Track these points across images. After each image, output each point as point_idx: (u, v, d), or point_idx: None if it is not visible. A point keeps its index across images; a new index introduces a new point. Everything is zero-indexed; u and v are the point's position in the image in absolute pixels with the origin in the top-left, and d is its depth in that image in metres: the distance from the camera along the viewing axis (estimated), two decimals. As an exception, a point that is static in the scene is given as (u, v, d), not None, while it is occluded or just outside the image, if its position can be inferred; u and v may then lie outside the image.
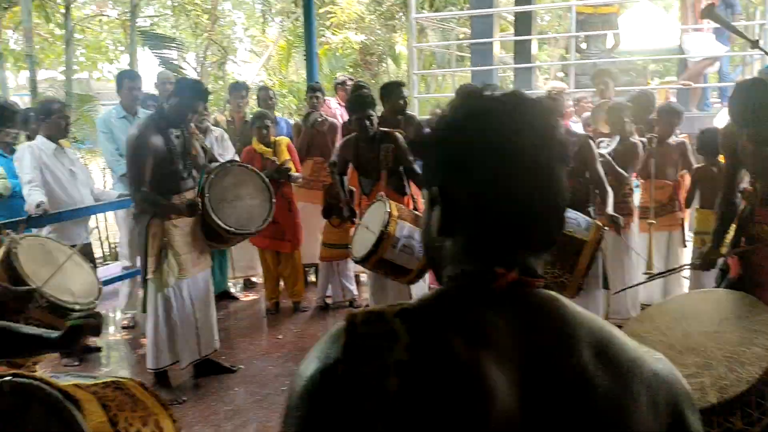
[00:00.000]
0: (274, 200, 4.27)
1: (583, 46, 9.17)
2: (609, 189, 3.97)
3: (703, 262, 3.18)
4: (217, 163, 4.22)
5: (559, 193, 0.87)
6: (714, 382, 2.45)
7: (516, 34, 9.40)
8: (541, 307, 0.85)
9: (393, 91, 5.11)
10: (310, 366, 0.81)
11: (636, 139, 4.57)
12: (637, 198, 4.85)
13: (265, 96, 6.10)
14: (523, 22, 9.16)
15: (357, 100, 4.43)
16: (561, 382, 0.79)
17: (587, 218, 3.72)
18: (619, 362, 0.82)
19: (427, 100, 10.04)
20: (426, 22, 10.71)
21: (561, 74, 11.78)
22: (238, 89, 6.12)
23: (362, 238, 4.06)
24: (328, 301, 5.51)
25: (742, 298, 2.85)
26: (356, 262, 4.09)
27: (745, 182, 3.13)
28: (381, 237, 3.80)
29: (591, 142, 3.96)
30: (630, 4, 9.26)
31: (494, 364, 0.77)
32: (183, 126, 3.83)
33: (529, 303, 0.85)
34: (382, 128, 4.42)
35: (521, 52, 9.11)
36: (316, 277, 6.00)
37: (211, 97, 4.62)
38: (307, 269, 6.23)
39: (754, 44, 3.36)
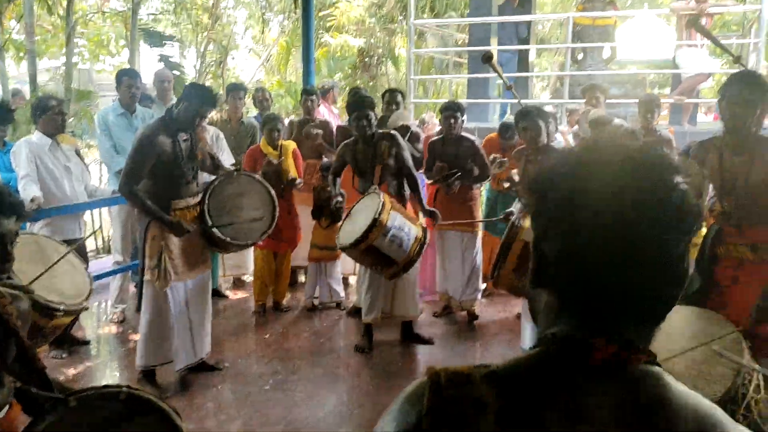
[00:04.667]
0: (277, 214, 4.22)
1: (580, 56, 9.24)
2: None
3: None
4: (223, 171, 4.20)
5: (670, 266, 0.77)
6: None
7: (500, 41, 9.39)
8: (641, 386, 0.78)
9: (384, 97, 5.26)
10: (389, 426, 0.79)
11: None
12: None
13: (261, 97, 6.19)
14: (512, 29, 9.20)
15: (356, 99, 4.52)
16: None
17: None
18: None
19: (426, 104, 10.11)
20: (425, 27, 10.80)
21: (558, 84, 11.87)
22: (237, 90, 6.17)
23: (351, 227, 4.10)
24: (316, 302, 5.60)
25: (711, 316, 2.93)
26: (343, 249, 4.09)
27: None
28: (374, 223, 3.86)
29: None
30: (629, 17, 9.30)
31: None
32: (191, 130, 3.90)
33: (628, 380, 0.78)
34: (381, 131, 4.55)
35: (520, 60, 9.18)
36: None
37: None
38: (297, 270, 6.32)
39: (736, 60, 3.43)
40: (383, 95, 5.65)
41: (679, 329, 2.94)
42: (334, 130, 6.02)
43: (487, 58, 4.89)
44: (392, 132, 4.58)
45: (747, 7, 9.08)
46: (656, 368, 0.81)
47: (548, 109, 6.54)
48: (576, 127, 5.95)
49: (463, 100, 9.83)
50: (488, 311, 5.49)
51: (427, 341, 4.76)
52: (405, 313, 4.70)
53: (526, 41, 9.04)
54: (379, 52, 12.54)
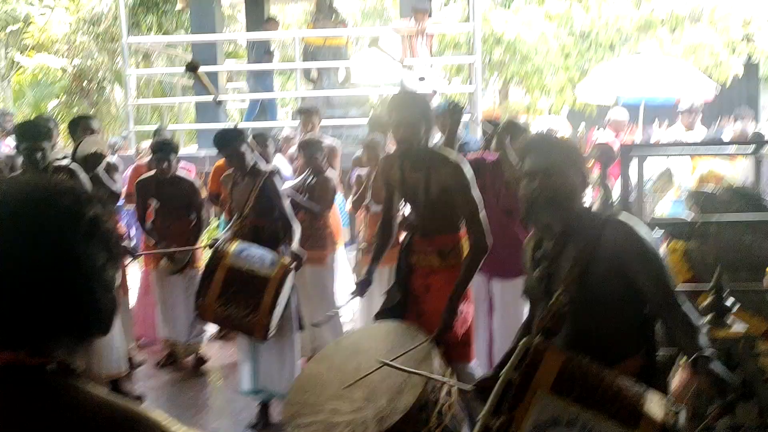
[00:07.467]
0: None
1: (315, 77, 9.22)
2: (296, 225, 3.80)
3: (358, 288, 3.13)
4: None
5: (93, 275, 0.87)
6: (375, 414, 2.51)
7: (249, 61, 9.08)
8: (42, 390, 0.82)
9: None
10: None
11: (330, 174, 4.60)
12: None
13: None
14: (259, 49, 8.91)
15: (26, 127, 3.89)
16: None
17: (274, 255, 3.58)
18: None
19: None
20: (153, 47, 10.05)
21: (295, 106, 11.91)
22: None
23: None
24: None
25: (407, 329, 2.89)
26: None
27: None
28: None
29: (274, 180, 3.76)
30: (361, 38, 9.50)
31: None
32: None
33: (28, 385, 0.82)
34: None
35: (258, 80, 8.83)
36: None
37: None
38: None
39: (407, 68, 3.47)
40: (70, 124, 4.92)
41: (376, 346, 2.90)
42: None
43: (191, 67, 4.57)
44: (72, 166, 3.97)
45: (462, 27, 9.76)
46: (71, 381, 0.84)
47: (286, 131, 6.44)
48: (292, 149, 5.85)
49: (194, 126, 9.26)
50: (221, 353, 5.02)
51: (137, 399, 4.10)
52: (108, 371, 3.97)
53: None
54: (99, 75, 11.33)
